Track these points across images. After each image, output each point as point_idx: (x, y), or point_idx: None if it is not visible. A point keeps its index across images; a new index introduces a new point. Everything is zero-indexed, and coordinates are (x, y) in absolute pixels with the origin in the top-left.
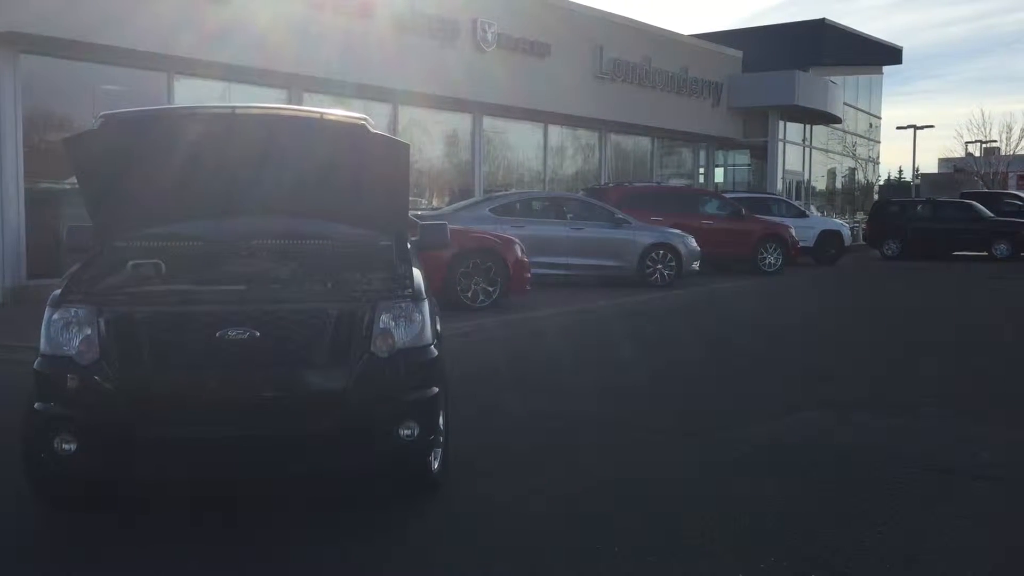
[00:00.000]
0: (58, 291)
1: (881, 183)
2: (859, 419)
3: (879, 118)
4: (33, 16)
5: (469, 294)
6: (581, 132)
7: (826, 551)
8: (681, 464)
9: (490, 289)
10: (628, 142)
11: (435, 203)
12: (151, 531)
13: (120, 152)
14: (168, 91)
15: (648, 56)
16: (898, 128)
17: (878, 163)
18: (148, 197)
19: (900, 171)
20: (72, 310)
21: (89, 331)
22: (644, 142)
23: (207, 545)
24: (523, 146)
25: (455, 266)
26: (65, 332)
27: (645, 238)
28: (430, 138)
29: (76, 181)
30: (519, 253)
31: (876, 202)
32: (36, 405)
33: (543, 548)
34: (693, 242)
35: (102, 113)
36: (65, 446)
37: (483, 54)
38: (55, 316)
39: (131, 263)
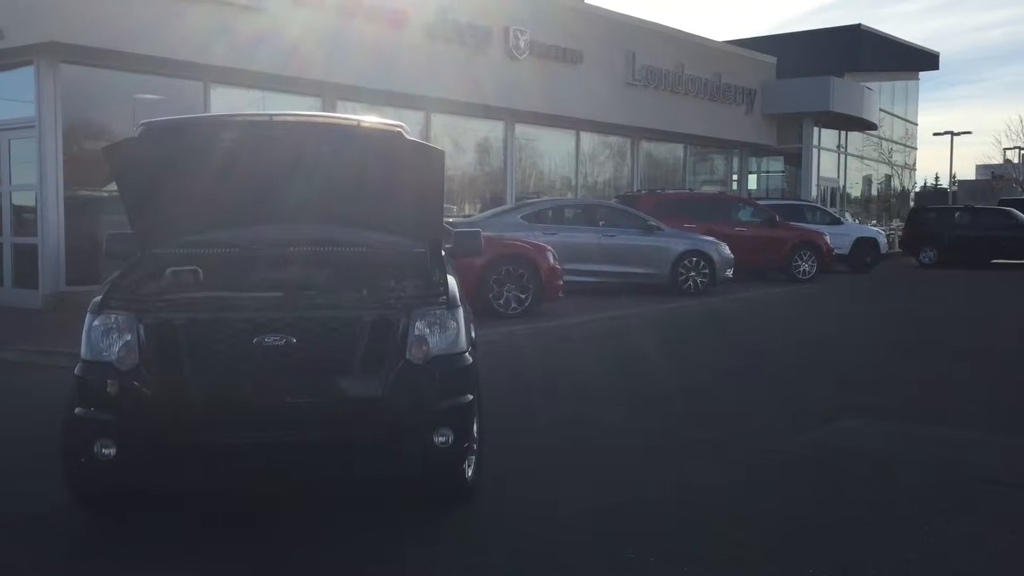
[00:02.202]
0: (99, 297)
1: (917, 190)
2: (899, 428)
3: (915, 124)
4: (74, 27)
5: (501, 301)
6: (613, 139)
7: (867, 562)
8: (717, 472)
9: (522, 296)
10: (660, 149)
11: (467, 210)
12: (176, 530)
13: (160, 160)
14: (204, 100)
15: (681, 63)
16: (935, 134)
17: (914, 170)
18: (187, 204)
19: (937, 178)
20: (112, 316)
21: (129, 337)
22: (677, 149)
23: (231, 546)
24: (555, 153)
25: (487, 273)
26: (105, 338)
27: (678, 245)
28: (462, 145)
29: (116, 188)
30: (551, 260)
31: (912, 209)
32: (76, 410)
33: (577, 555)
34: (726, 249)
35: (142, 121)
36: (104, 451)
37: (515, 61)
38: (96, 322)
39: (170, 270)
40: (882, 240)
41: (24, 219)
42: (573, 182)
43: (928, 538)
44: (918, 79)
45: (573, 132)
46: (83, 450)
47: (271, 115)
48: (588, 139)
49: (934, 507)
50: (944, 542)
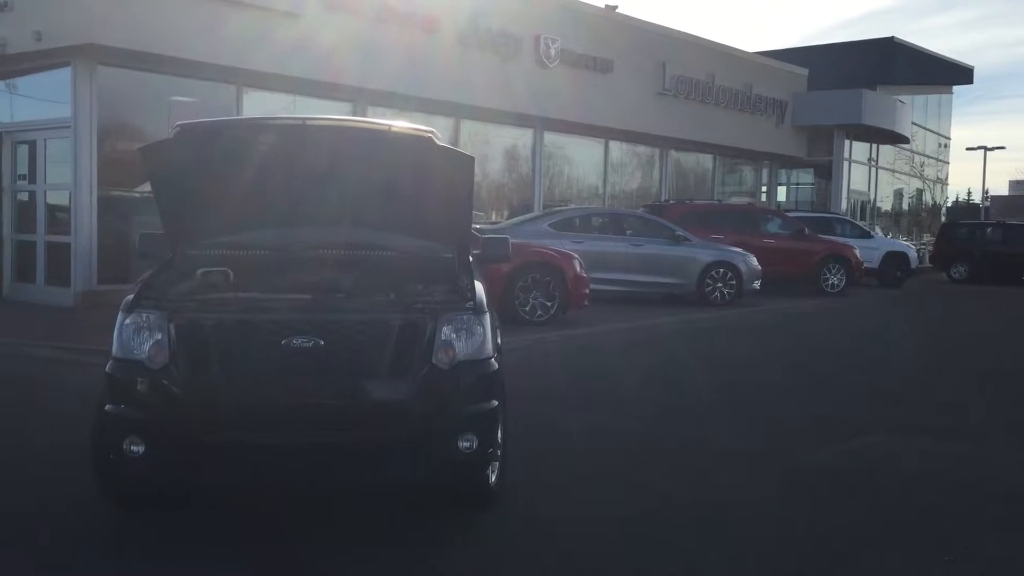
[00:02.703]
0: (131, 296)
1: (949, 204)
2: (925, 444)
3: (948, 138)
4: (112, 30)
5: (527, 308)
6: (642, 148)
7: None
8: (743, 486)
9: (548, 304)
10: (689, 159)
11: (494, 217)
12: (198, 528)
13: (194, 161)
14: (237, 103)
15: (712, 73)
16: (968, 149)
17: (946, 184)
18: (220, 206)
19: (969, 193)
20: (144, 315)
21: (160, 336)
22: (706, 159)
23: (255, 546)
24: (583, 161)
25: (514, 280)
26: (136, 336)
27: (705, 256)
28: (491, 152)
29: (150, 189)
30: (578, 268)
31: (944, 224)
32: (107, 407)
33: (601, 567)
34: (754, 261)
35: (178, 123)
36: (133, 448)
37: (546, 70)
38: (127, 321)
39: (201, 271)
40: (913, 255)
41: (58, 218)
42: (601, 191)
43: (954, 557)
44: (951, 93)
45: (602, 141)
46: (112, 447)
47: (304, 119)
48: (617, 148)
49: (959, 525)
50: (969, 561)
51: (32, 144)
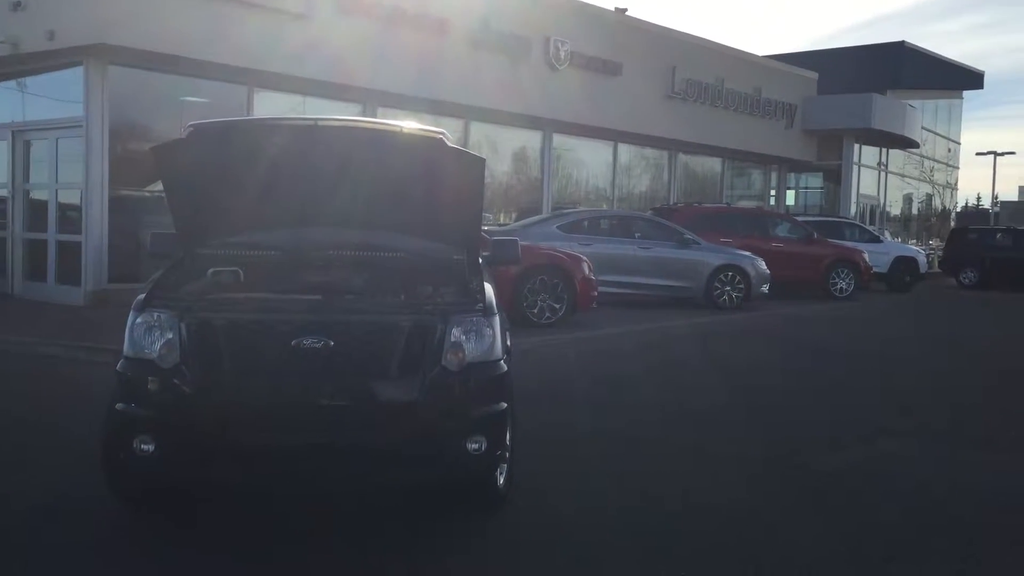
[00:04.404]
0: (142, 296)
1: (959, 210)
2: (937, 451)
3: (958, 143)
4: (124, 30)
5: (535, 310)
6: (651, 151)
7: None
8: (750, 491)
9: (556, 306)
10: (698, 162)
11: (502, 218)
12: (206, 529)
13: (206, 161)
14: (248, 104)
15: (721, 76)
16: (978, 154)
17: (956, 189)
18: (231, 206)
19: (979, 198)
20: (155, 314)
21: (171, 335)
22: (714, 163)
23: (257, 548)
24: (592, 164)
25: (522, 282)
26: (147, 335)
27: (713, 259)
28: (500, 154)
29: (162, 188)
30: (586, 271)
31: (954, 229)
32: (117, 405)
33: (607, 567)
34: (763, 265)
35: (190, 123)
36: (143, 446)
37: (555, 72)
38: (138, 320)
39: (211, 271)
40: (922, 260)
41: (69, 216)
42: (609, 193)
43: (965, 567)
44: (962, 98)
45: (611, 143)
46: (122, 445)
47: (315, 119)
48: (626, 150)
49: (970, 535)
50: (981, 572)
51: (27, 145)
